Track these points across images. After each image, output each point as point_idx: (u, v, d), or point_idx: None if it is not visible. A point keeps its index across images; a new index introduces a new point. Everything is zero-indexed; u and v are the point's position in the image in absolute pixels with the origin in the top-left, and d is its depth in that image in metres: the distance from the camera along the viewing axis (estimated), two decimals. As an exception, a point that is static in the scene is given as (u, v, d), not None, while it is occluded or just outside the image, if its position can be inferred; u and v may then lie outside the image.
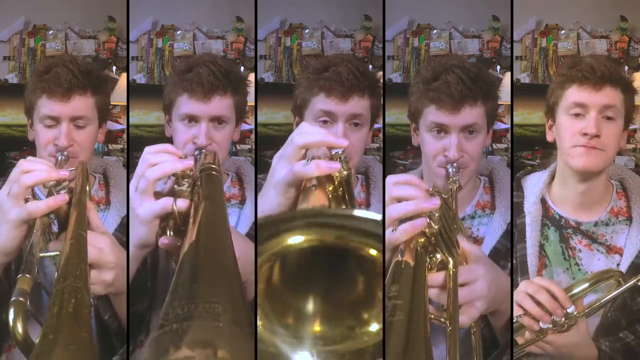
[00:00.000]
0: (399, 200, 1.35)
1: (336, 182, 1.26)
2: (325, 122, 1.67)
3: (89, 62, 1.96)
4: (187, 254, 1.04)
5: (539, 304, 1.45)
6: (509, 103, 1.84)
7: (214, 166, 1.42)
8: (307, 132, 1.32)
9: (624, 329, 1.61)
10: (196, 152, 1.63)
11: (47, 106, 1.67)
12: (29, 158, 1.45)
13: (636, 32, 2.10)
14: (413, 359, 1.06)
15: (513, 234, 1.66)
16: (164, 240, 1.31)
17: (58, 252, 1.27)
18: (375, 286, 1.11)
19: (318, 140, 1.30)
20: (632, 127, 2.11)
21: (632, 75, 2.08)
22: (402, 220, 1.32)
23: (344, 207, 1.24)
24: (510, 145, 1.90)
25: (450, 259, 1.32)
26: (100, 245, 1.36)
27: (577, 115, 1.63)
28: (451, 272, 1.30)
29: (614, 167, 1.76)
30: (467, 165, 1.63)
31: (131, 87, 1.96)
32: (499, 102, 1.77)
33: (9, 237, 1.37)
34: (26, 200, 1.37)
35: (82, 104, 1.68)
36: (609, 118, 1.62)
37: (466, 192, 1.69)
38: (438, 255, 1.33)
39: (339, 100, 1.65)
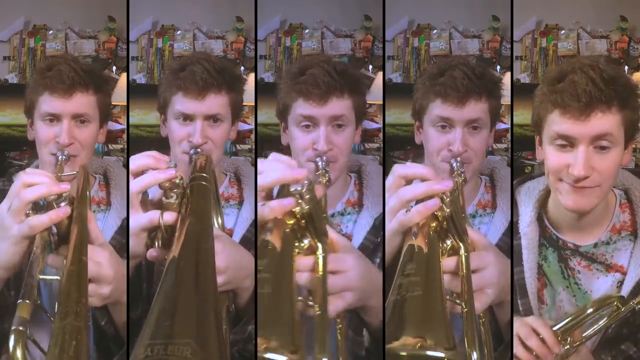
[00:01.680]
0: (411, 182, 1.36)
1: (298, 216, 1.24)
2: (307, 126, 1.66)
3: (92, 63, 1.96)
4: (164, 281, 1.04)
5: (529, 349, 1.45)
6: (509, 103, 1.84)
7: (204, 175, 1.41)
8: (266, 172, 1.27)
9: (626, 339, 1.57)
10: (191, 151, 1.63)
11: (48, 103, 1.67)
12: (28, 170, 1.43)
13: (636, 32, 2.09)
14: (433, 332, 1.08)
15: (513, 233, 1.66)
16: (152, 253, 1.33)
17: (58, 277, 1.25)
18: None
19: (274, 181, 1.25)
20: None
21: (631, 74, 2.08)
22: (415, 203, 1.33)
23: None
24: (510, 145, 1.90)
25: (461, 244, 1.32)
26: (99, 260, 1.36)
27: (563, 146, 1.45)
28: (463, 257, 1.31)
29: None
30: (471, 161, 1.64)
31: (131, 87, 1.96)
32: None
33: (10, 252, 1.36)
34: (27, 215, 1.36)
35: (83, 101, 1.68)
36: (603, 148, 1.43)
37: (468, 192, 1.69)
38: (448, 242, 1.34)
39: (317, 103, 1.64)
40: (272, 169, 1.27)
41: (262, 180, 1.26)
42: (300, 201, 1.22)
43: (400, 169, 1.39)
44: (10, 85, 2.05)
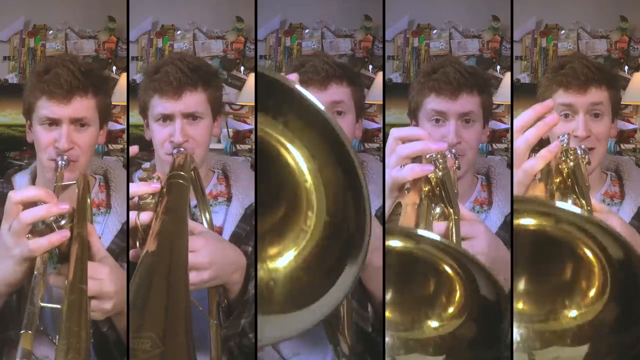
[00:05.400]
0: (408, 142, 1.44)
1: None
2: None
3: (89, 62, 1.94)
4: (135, 276, 1.06)
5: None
6: (509, 103, 1.84)
7: (181, 173, 1.42)
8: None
9: None
10: (174, 151, 1.64)
11: (47, 108, 1.64)
12: (26, 188, 1.41)
13: (636, 32, 2.10)
14: None
15: (513, 231, 1.66)
16: (132, 253, 1.33)
17: (59, 306, 1.23)
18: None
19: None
20: (632, 127, 2.11)
21: (631, 74, 2.09)
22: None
23: None
24: (510, 145, 1.90)
25: (451, 210, 1.37)
26: (101, 277, 1.35)
27: (566, 115, 1.70)
28: (453, 219, 1.35)
29: (611, 159, 1.82)
30: (465, 153, 1.68)
31: (131, 87, 1.96)
32: (499, 102, 1.80)
33: (13, 271, 1.36)
34: (27, 237, 1.34)
35: (83, 106, 1.65)
36: (596, 115, 1.69)
37: (464, 189, 1.70)
38: (438, 209, 1.38)
39: (318, 89, 1.68)
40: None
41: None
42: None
43: (396, 132, 1.46)
44: (10, 85, 2.05)
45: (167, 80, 1.66)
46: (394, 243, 1.22)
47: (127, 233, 1.41)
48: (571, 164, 1.41)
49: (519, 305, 1.25)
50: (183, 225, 1.28)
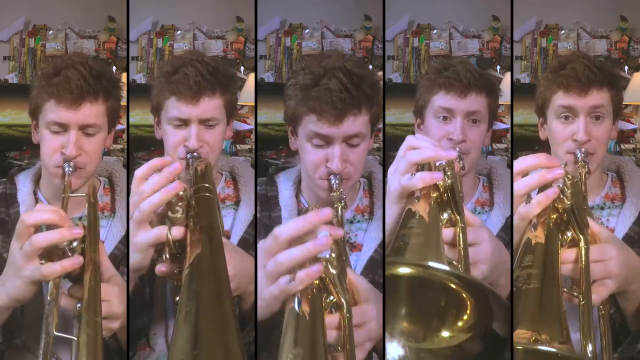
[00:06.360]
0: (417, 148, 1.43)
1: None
2: (320, 145, 1.59)
3: (100, 62, 1.87)
4: (182, 307, 1.07)
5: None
6: (509, 103, 1.84)
7: (207, 186, 1.40)
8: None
9: None
10: (188, 156, 1.61)
11: (55, 112, 1.60)
12: (38, 207, 1.40)
13: (636, 32, 2.10)
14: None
15: (512, 232, 1.66)
16: (161, 268, 1.34)
17: (74, 338, 1.24)
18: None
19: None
20: (632, 127, 2.11)
21: (631, 74, 2.09)
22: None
23: None
24: (510, 145, 1.90)
25: (458, 217, 1.39)
26: (110, 298, 1.36)
27: (566, 117, 1.70)
28: (460, 226, 1.37)
29: (612, 159, 1.82)
30: (469, 152, 1.67)
31: (131, 87, 1.96)
32: (499, 102, 1.80)
33: (23, 289, 1.36)
34: (41, 263, 1.33)
35: (92, 112, 1.61)
36: (597, 117, 1.69)
37: (466, 190, 1.69)
38: (445, 215, 1.40)
39: (332, 124, 1.55)
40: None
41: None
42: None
43: (411, 139, 1.45)
44: (10, 85, 2.05)
45: (187, 84, 1.62)
46: (403, 270, 1.24)
47: (127, 234, 1.41)
48: (568, 202, 1.40)
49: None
50: (220, 245, 1.27)
